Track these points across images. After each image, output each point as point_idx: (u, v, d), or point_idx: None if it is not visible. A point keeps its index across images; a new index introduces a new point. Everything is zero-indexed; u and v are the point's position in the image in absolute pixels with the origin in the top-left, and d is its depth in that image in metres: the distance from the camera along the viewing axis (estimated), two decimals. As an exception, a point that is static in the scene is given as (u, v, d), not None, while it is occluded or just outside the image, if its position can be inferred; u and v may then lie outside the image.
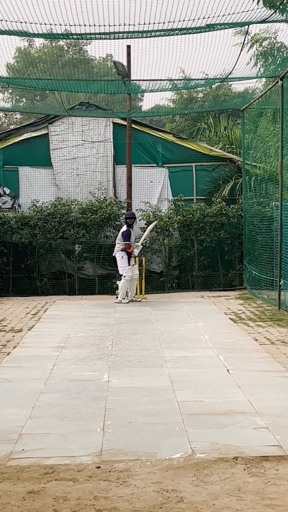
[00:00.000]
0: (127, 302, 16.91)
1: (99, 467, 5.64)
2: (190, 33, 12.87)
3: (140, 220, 19.51)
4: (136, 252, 17.38)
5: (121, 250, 17.18)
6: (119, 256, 17.21)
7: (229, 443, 6.17)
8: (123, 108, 21.71)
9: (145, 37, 13.09)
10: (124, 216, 18.33)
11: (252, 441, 6.26)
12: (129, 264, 17.17)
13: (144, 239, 17.89)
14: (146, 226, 19.45)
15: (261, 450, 6.01)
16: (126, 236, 17.17)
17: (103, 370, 9.35)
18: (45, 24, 11.68)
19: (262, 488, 5.18)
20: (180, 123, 33.95)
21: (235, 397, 7.84)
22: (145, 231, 18.83)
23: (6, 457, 5.93)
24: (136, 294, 17.52)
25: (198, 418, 7.03)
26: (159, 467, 5.62)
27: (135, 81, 19.56)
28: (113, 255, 17.54)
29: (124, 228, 17.41)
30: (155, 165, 20.96)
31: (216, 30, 12.83)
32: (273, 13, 11.45)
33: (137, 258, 17.49)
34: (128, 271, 16.99)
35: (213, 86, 30.70)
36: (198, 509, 4.81)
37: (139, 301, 17.32)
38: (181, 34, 12.86)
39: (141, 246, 17.71)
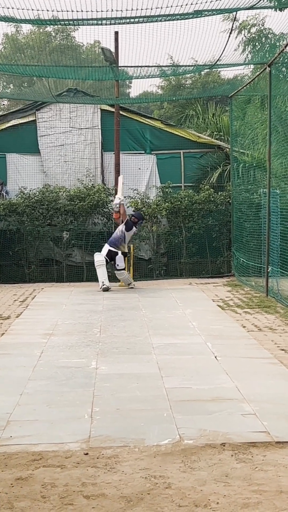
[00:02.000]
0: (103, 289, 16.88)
1: (87, 454, 5.65)
2: (178, 19, 12.84)
3: (128, 207, 19.46)
4: (116, 201, 17.51)
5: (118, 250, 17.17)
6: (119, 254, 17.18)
7: (217, 430, 6.19)
8: (111, 95, 21.64)
9: (133, 23, 13.06)
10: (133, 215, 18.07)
11: (239, 427, 6.28)
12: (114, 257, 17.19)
13: (121, 193, 17.83)
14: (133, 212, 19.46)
15: (249, 436, 6.03)
16: (129, 226, 17.17)
17: (91, 357, 9.36)
18: (33, 10, 11.61)
19: (249, 474, 5.21)
20: (168, 109, 33.85)
21: (223, 384, 7.86)
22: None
23: (-6, 444, 5.94)
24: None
25: (186, 404, 7.05)
26: (146, 454, 5.64)
27: (123, 68, 19.50)
28: (114, 249, 17.24)
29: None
30: (143, 152, 20.92)
31: (204, 16, 12.80)
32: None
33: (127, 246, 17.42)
34: (97, 256, 17.21)
35: (202, 72, 30.68)
36: (186, 495, 4.83)
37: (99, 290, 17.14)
38: (169, 20, 12.83)
39: (121, 198, 17.61)
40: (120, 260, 17.09)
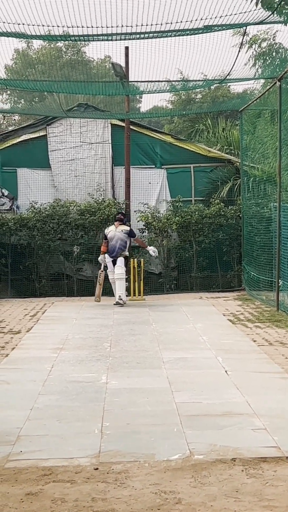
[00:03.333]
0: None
1: (97, 469, 5.64)
2: (188, 35, 12.89)
3: (138, 221, 19.52)
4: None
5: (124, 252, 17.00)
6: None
7: (227, 444, 6.17)
8: (121, 110, 21.72)
9: (143, 38, 13.11)
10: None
11: (250, 442, 6.26)
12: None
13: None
14: (144, 227, 19.46)
15: (259, 451, 6.00)
16: (133, 233, 17.21)
17: (101, 372, 9.35)
18: (43, 25, 11.69)
19: (260, 489, 5.18)
20: (179, 124, 33.95)
21: (233, 398, 7.84)
22: (143, 232, 19.01)
23: (4, 459, 5.93)
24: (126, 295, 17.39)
25: (196, 419, 7.03)
26: (157, 469, 5.62)
27: (133, 83, 19.57)
28: (117, 255, 16.89)
29: (128, 227, 17.25)
30: (154, 166, 20.97)
31: (214, 31, 12.85)
32: (270, 15, 11.47)
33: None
34: (118, 268, 16.82)
35: (211, 87, 30.77)
36: (196, 510, 4.81)
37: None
38: (179, 35, 12.88)
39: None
40: (121, 261, 16.72)
